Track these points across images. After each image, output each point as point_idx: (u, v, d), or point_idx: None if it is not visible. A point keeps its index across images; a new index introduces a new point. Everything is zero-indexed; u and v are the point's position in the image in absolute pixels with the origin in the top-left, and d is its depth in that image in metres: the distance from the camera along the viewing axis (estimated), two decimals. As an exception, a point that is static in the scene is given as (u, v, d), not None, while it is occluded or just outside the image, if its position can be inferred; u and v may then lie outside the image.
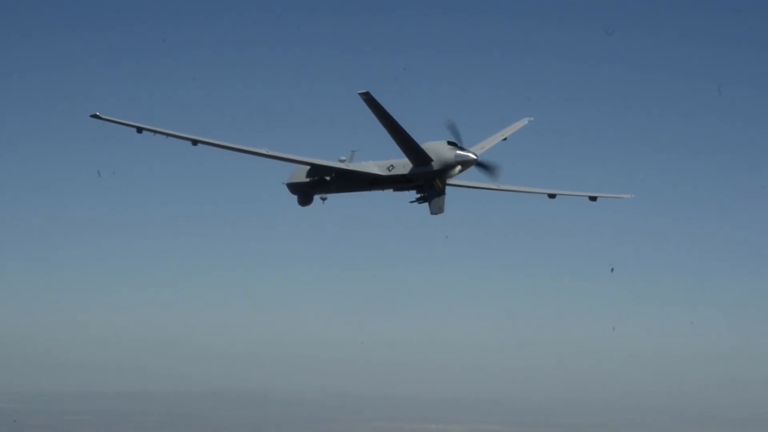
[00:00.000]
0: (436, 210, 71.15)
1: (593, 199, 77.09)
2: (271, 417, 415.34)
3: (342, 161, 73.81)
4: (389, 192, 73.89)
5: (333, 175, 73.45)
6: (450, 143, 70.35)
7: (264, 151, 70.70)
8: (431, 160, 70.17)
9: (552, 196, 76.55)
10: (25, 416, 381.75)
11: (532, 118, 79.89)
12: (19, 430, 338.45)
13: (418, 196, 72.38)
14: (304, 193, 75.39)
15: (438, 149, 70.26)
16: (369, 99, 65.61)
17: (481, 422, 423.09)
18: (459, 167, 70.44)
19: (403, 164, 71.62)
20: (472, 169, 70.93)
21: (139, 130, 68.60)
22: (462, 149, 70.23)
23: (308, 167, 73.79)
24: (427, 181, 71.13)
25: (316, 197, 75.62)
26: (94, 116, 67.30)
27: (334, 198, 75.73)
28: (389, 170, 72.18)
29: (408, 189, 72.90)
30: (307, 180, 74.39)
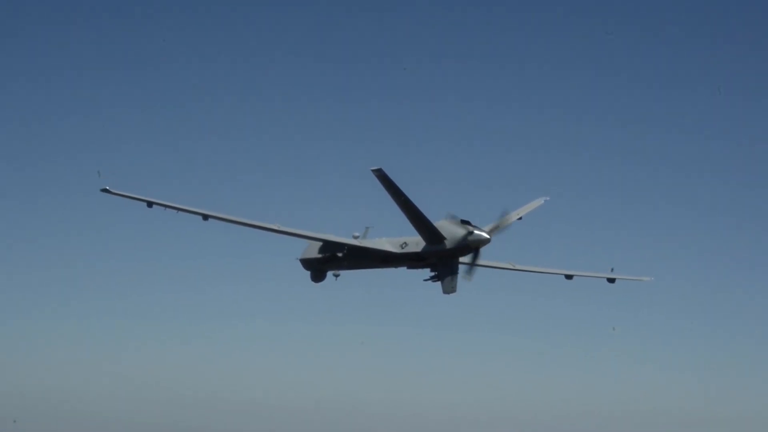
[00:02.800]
0: (449, 289, 70.17)
1: (611, 281, 76.08)
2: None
3: (356, 237, 73.17)
4: (403, 270, 73.08)
5: (345, 251, 72.78)
6: (463, 222, 69.59)
7: (275, 227, 70.11)
8: (444, 238, 69.36)
9: (569, 277, 75.59)
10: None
11: (548, 198, 79.28)
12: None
13: (432, 274, 71.45)
14: (317, 269, 74.70)
15: (451, 228, 69.51)
16: (382, 176, 65.07)
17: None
18: (472, 246, 69.58)
19: (416, 242, 70.81)
20: (486, 248, 70.05)
21: (150, 204, 68.18)
22: (475, 228, 69.43)
23: (321, 243, 73.19)
24: (440, 259, 70.28)
25: (330, 274, 74.89)
26: (104, 190, 66.95)
27: (347, 275, 74.98)
28: (402, 248, 71.40)
29: (421, 267, 72.02)
30: (320, 256, 73.80)
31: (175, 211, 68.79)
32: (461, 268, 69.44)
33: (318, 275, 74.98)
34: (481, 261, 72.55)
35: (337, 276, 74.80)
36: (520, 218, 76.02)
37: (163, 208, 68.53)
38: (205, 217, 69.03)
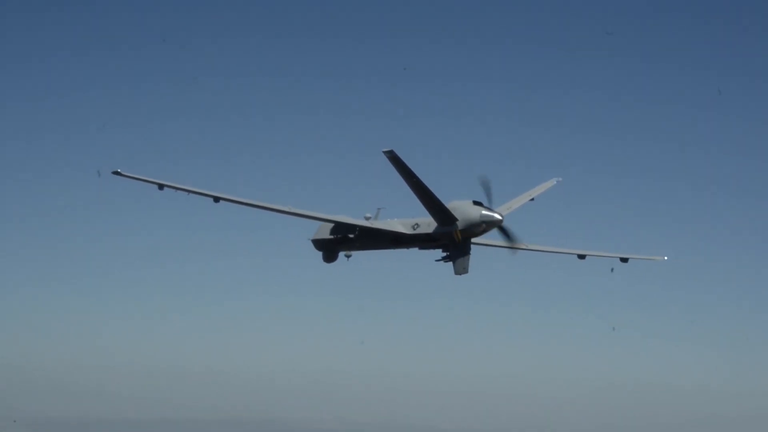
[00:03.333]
0: (461, 270, 69.93)
1: (624, 260, 75.63)
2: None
3: (368, 218, 72.92)
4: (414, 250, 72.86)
5: (357, 232, 72.59)
6: (476, 203, 69.22)
7: (288, 209, 69.82)
8: (456, 219, 69.04)
9: (582, 256, 75.23)
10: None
11: (560, 179, 78.87)
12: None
13: (444, 255, 71.21)
14: (328, 249, 74.44)
15: (463, 209, 69.14)
16: (393, 157, 64.77)
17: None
18: (484, 227, 69.28)
19: (428, 223, 70.51)
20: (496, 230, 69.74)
21: (161, 186, 67.75)
22: (488, 209, 69.07)
23: (332, 224, 72.98)
24: (451, 240, 70.02)
25: (341, 254, 74.67)
26: (116, 173, 66.58)
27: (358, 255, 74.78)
28: (414, 229, 71.14)
29: (433, 248, 71.74)
30: (332, 237, 73.61)
31: (186, 193, 68.40)
32: (479, 251, 69.30)
33: (330, 256, 74.74)
34: (493, 241, 72.44)
35: (348, 256, 74.57)
36: (533, 199, 75.74)
37: (174, 190, 68.14)
38: (217, 199, 68.58)
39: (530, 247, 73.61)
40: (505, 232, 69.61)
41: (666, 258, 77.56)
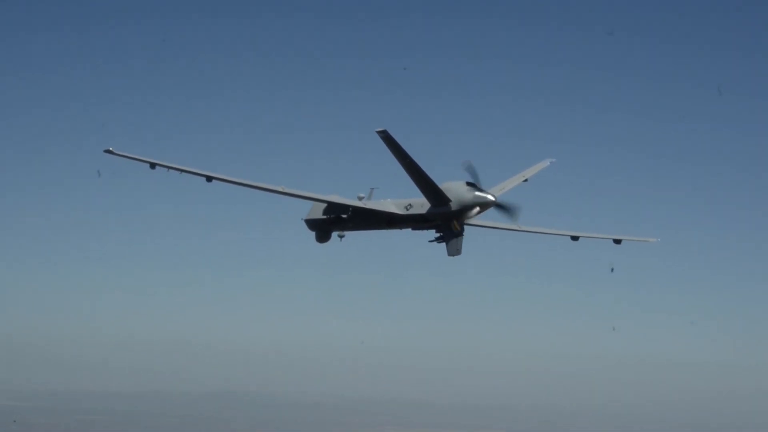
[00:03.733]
0: (454, 252, 69.66)
1: (618, 242, 75.30)
2: (280, 419, 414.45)
3: (360, 198, 72.53)
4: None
5: (350, 212, 72.19)
6: (469, 184, 68.88)
7: (280, 189, 69.30)
8: (449, 200, 68.73)
9: (575, 238, 74.84)
10: (37, 415, 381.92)
11: (554, 160, 78.52)
12: (32, 429, 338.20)
13: (437, 236, 70.92)
14: (321, 229, 74.04)
15: (456, 190, 68.80)
16: (387, 137, 64.38)
17: (490, 428, 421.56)
18: (477, 208, 68.98)
19: (421, 203, 70.17)
20: (492, 209, 69.43)
21: (153, 165, 67.08)
22: (481, 190, 68.75)
23: (325, 204, 72.58)
24: (445, 221, 69.72)
25: (334, 234, 74.30)
26: (108, 151, 66.03)
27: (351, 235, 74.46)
28: (407, 209, 70.82)
29: (426, 228, 71.41)
30: (324, 217, 73.23)
31: (179, 172, 67.86)
32: (472, 232, 68.99)
33: (323, 236, 74.33)
34: (486, 222, 72.14)
35: (341, 237, 74.24)
36: (526, 180, 75.42)
37: (166, 169, 67.62)
38: (209, 178, 67.99)
39: (523, 228, 73.33)
40: (503, 207, 69.16)
41: (658, 240, 77.46)
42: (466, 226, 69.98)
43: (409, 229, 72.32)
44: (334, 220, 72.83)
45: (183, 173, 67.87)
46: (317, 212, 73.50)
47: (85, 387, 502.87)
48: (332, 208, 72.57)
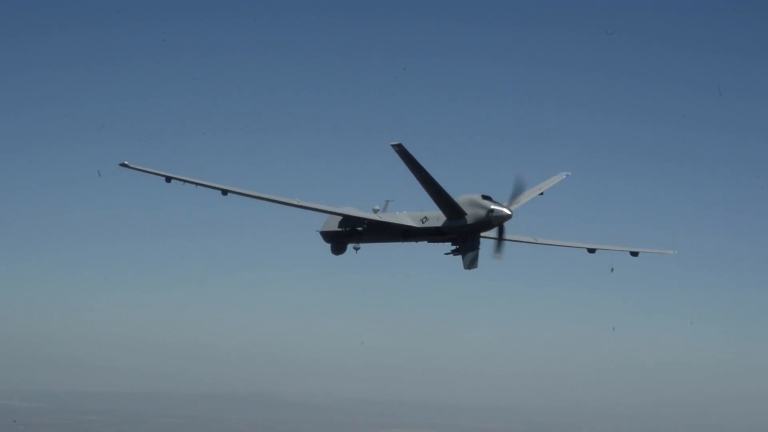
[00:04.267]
0: (470, 265, 69.27)
1: (635, 254, 74.90)
2: (280, 419, 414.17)
3: (376, 211, 72.15)
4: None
5: (365, 225, 71.78)
6: (485, 197, 68.53)
7: (296, 202, 69.01)
8: (465, 213, 68.39)
9: (592, 250, 74.55)
10: (39, 415, 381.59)
11: (569, 173, 78.21)
12: (32, 429, 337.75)
13: (453, 248, 70.49)
14: (337, 241, 73.63)
15: (472, 203, 68.45)
16: (402, 151, 64.20)
17: (491, 429, 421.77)
18: (493, 222, 68.50)
19: (437, 216, 69.86)
20: (508, 222, 68.94)
21: (168, 179, 66.88)
22: (497, 203, 68.36)
23: (341, 217, 72.18)
24: (460, 235, 69.31)
25: (350, 246, 73.91)
26: (123, 165, 65.75)
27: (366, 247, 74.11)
28: (422, 222, 70.49)
29: (442, 241, 71.08)
30: (340, 229, 72.76)
31: (194, 185, 67.51)
32: (489, 246, 68.52)
33: (338, 248, 73.96)
34: (505, 236, 71.63)
35: (357, 249, 73.86)
36: (542, 193, 75.09)
37: (181, 182, 67.27)
38: (225, 192, 67.80)
39: (540, 241, 72.97)
40: (500, 232, 68.75)
41: (675, 252, 77.19)
42: (488, 242, 69.49)
43: (425, 242, 71.99)
44: (350, 233, 72.43)
45: (198, 186, 67.57)
46: (333, 224, 73.09)
47: (85, 387, 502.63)
48: (347, 220, 72.16)
